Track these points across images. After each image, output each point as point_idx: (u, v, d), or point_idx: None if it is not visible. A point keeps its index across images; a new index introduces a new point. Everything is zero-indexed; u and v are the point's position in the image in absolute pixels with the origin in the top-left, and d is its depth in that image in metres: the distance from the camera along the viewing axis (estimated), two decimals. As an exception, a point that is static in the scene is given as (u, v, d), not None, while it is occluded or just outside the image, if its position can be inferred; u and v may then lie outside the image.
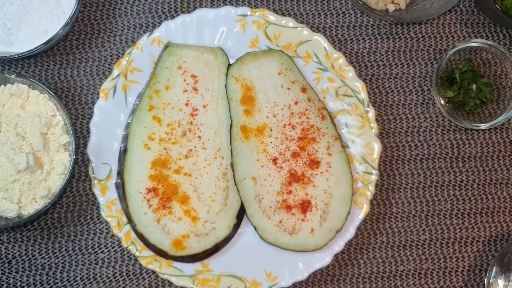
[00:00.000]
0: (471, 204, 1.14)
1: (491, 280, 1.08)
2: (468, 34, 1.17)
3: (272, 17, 1.09)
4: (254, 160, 1.05)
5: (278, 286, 1.04)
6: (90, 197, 1.09)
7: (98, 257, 1.08)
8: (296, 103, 1.08)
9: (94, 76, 1.11)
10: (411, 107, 1.14)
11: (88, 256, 1.08)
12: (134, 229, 1.04)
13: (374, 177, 1.07)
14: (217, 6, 1.14)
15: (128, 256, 1.09)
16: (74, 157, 1.00)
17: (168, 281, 1.07)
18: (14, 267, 1.07)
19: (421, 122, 1.14)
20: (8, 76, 1.02)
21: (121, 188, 1.05)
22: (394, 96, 1.15)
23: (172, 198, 1.04)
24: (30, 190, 1.00)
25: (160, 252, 1.03)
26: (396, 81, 1.15)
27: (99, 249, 1.08)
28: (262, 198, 1.05)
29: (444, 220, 1.13)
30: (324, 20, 1.15)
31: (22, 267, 1.07)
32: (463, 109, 1.12)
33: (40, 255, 1.08)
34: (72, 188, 1.09)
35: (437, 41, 1.16)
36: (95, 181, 1.05)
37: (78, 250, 1.08)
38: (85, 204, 1.09)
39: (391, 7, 1.12)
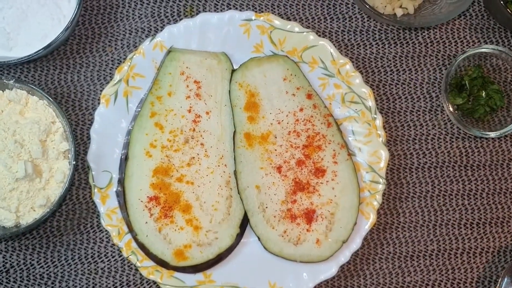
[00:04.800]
0: (480, 214, 1.11)
1: (501, 292, 1.06)
2: (478, 39, 1.14)
3: (277, 21, 1.07)
4: (258, 168, 1.03)
5: (282, 298, 1.02)
6: (90, 205, 1.07)
7: (98, 267, 1.06)
8: (301, 109, 1.06)
9: (95, 81, 1.10)
10: (419, 114, 1.12)
11: (88, 266, 1.06)
12: (135, 238, 1.02)
13: (381, 186, 1.05)
14: (221, 11, 1.12)
15: (128, 266, 1.07)
16: (74, 163, 0.99)
17: (170, 292, 1.05)
18: (12, 276, 1.06)
19: (429, 130, 1.12)
20: (6, 81, 1.01)
21: (122, 196, 1.03)
22: (402, 103, 1.12)
23: (174, 207, 1.03)
24: (29, 199, 0.99)
25: (161, 263, 1.02)
26: (404, 88, 1.13)
27: (99, 259, 1.06)
28: (266, 207, 1.03)
29: (452, 230, 1.11)
30: (330, 25, 1.13)
31: (20, 277, 1.06)
32: (473, 116, 1.10)
33: (38, 264, 1.06)
34: (72, 196, 1.07)
35: (446, 47, 1.14)
36: (96, 189, 1.03)
37: (78, 259, 1.06)
38: (85, 213, 1.07)
39: (399, 12, 1.10)
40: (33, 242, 1.06)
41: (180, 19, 1.11)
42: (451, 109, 1.09)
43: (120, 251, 1.05)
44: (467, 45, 1.14)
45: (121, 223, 1.03)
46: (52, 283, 1.06)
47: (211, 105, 1.06)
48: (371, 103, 1.06)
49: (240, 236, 1.04)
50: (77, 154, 1.05)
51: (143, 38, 1.11)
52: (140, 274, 1.06)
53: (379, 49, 1.13)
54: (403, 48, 1.13)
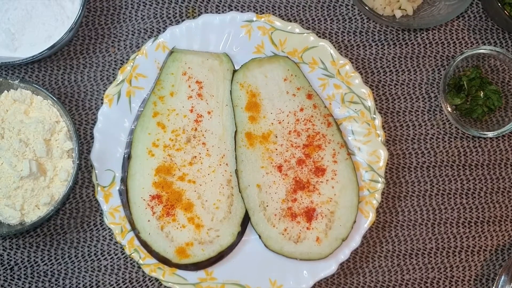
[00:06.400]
0: (478, 213, 1.12)
1: (498, 290, 1.07)
2: (476, 40, 1.15)
3: (278, 22, 1.08)
4: (259, 167, 1.05)
5: (283, 295, 1.03)
6: (94, 203, 1.08)
7: (101, 264, 1.07)
8: (301, 109, 1.07)
9: (98, 81, 1.11)
10: (418, 114, 1.13)
11: (91, 263, 1.07)
12: (138, 236, 1.03)
13: (380, 185, 1.06)
14: (223, 12, 1.13)
15: (131, 264, 1.08)
16: (77, 162, 1.00)
17: (172, 289, 1.06)
18: (17, 273, 1.07)
19: (428, 130, 1.13)
20: (11, 81, 1.02)
21: (124, 195, 1.04)
22: (401, 103, 1.14)
23: (176, 205, 1.04)
24: (33, 197, 1.00)
25: (163, 260, 1.03)
26: (403, 88, 1.14)
27: (102, 256, 1.07)
28: (267, 205, 1.04)
29: (450, 228, 1.12)
30: (330, 26, 1.14)
31: (25, 274, 1.07)
32: (471, 116, 1.11)
33: (42, 262, 1.07)
34: (76, 194, 1.08)
35: (444, 48, 1.15)
36: (99, 188, 1.04)
37: (81, 257, 1.07)
38: (88, 211, 1.08)
39: (398, 13, 1.11)
40: (37, 240, 1.07)
41: (182, 20, 1.12)
42: (449, 109, 1.11)
43: (123, 249, 1.06)
44: (465, 46, 1.15)
45: (124, 221, 1.04)
46: (56, 280, 1.07)
47: (213, 105, 1.07)
48: (370, 103, 1.07)
49: (241, 234, 1.05)
50: (80, 153, 1.06)
51: (145, 39, 1.12)
52: (143, 272, 1.07)
53: (378, 50, 1.14)
54: (402, 49, 1.15)
